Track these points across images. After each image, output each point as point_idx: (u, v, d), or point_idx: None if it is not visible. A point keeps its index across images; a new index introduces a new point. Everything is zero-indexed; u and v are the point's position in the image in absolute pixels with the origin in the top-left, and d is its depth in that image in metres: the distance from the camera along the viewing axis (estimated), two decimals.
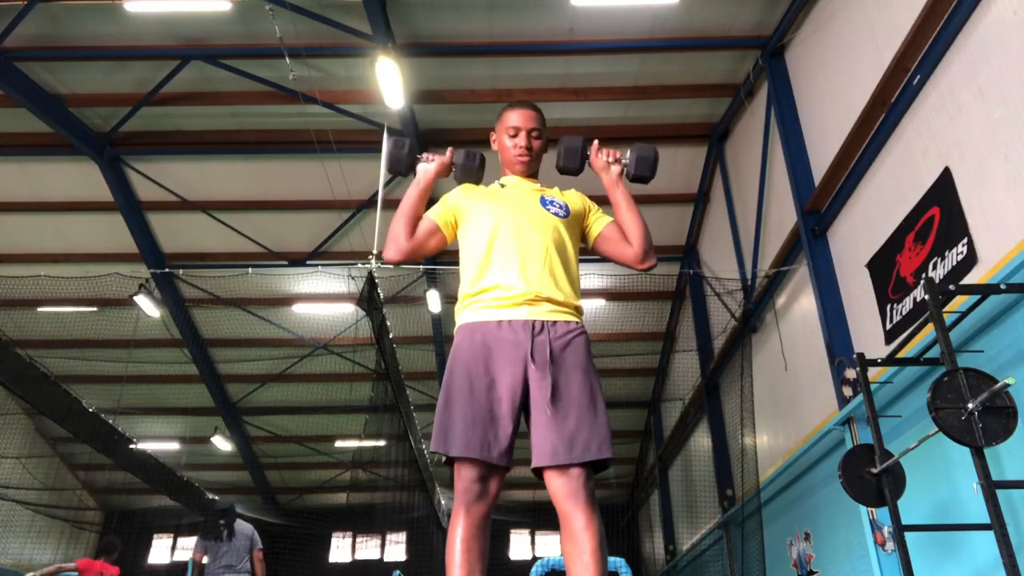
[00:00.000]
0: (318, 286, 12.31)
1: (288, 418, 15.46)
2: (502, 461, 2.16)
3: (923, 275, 5.47)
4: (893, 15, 5.93)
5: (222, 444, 15.78)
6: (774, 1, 7.99)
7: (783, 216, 8.30)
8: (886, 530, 5.94)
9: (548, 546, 18.26)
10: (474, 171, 2.61)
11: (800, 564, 8.15)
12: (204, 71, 9.01)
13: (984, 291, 4.34)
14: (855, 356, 5.10)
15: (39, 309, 12.05)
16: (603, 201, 2.65)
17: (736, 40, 8.48)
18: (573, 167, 2.59)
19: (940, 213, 5.38)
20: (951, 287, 4.28)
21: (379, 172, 9.46)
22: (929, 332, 4.83)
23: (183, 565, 14.21)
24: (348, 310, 12.32)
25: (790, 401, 8.48)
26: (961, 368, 3.77)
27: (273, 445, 16.23)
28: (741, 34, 8.41)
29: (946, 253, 5.29)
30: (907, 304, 5.80)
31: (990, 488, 3.59)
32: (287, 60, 8.10)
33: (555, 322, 2.29)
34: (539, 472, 2.18)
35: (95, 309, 12.04)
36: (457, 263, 2.54)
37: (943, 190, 5.32)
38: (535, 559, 9.47)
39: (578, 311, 2.38)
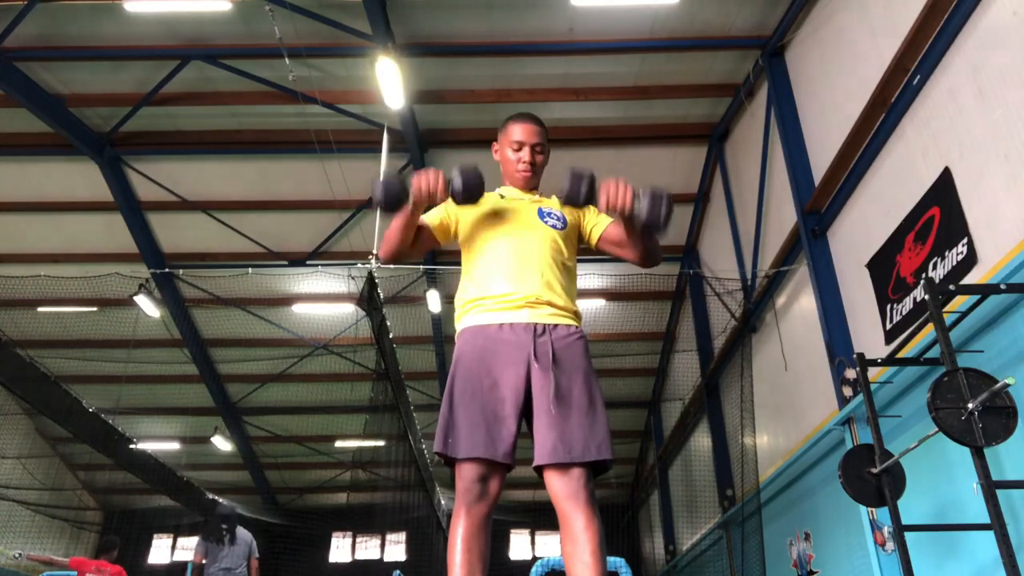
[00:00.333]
0: (318, 286, 12.31)
1: (288, 418, 15.46)
2: (507, 459, 2.19)
3: (923, 275, 5.47)
4: (893, 15, 5.93)
5: (222, 444, 15.78)
6: (774, 1, 7.99)
7: (783, 216, 8.30)
8: (886, 530, 5.94)
9: (548, 546, 18.25)
10: (476, 192, 2.36)
11: (800, 564, 8.15)
12: (204, 71, 9.02)
13: (984, 291, 4.34)
14: (855, 356, 5.10)
15: (39, 309, 12.05)
16: None
17: (736, 40, 8.48)
18: (577, 202, 2.37)
19: (940, 213, 5.38)
20: (951, 287, 4.28)
21: (379, 172, 9.48)
22: (929, 332, 4.83)
23: (183, 565, 14.21)
24: (348, 310, 12.32)
25: (790, 401, 8.48)
26: (961, 368, 3.77)
27: (273, 445, 16.23)
28: (741, 34, 8.41)
29: (946, 253, 5.29)
30: (907, 304, 5.80)
31: (990, 488, 3.60)
32: (287, 60, 8.11)
33: (556, 325, 2.33)
34: (540, 470, 2.20)
35: (95, 309, 12.04)
36: (457, 263, 2.58)
37: (943, 190, 5.32)
38: (535, 559, 9.47)
39: (577, 316, 2.42)
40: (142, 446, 13.12)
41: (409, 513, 14.25)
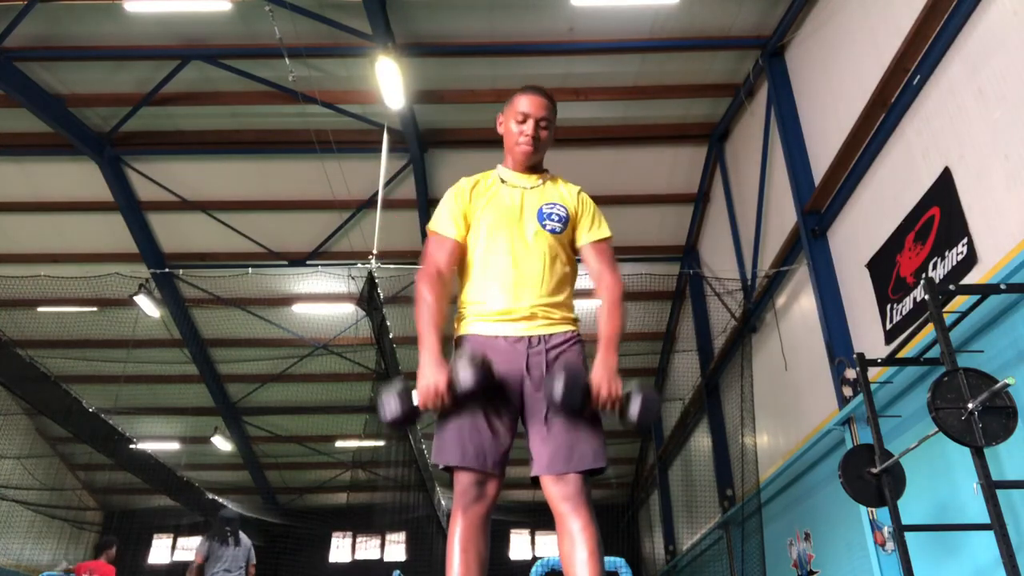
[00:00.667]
0: (318, 286, 12.31)
1: (288, 418, 15.45)
2: (495, 471, 2.21)
3: (923, 275, 5.47)
4: (893, 15, 5.93)
5: (222, 444, 15.78)
6: (774, 1, 7.99)
7: (783, 216, 8.30)
8: (886, 530, 5.94)
9: (548, 546, 18.24)
10: (482, 383, 2.15)
11: (800, 564, 8.15)
12: (204, 71, 9.02)
13: (984, 291, 4.34)
14: (855, 356, 5.10)
15: (39, 309, 12.05)
16: (603, 201, 2.64)
17: (736, 40, 8.48)
18: (571, 410, 2.17)
19: (940, 213, 5.38)
20: (951, 287, 4.28)
21: (379, 172, 9.48)
22: (929, 332, 4.83)
23: (184, 565, 14.21)
24: (348, 310, 12.31)
25: (790, 401, 8.48)
26: (961, 368, 3.77)
27: (273, 445, 16.23)
28: (741, 34, 8.41)
29: (946, 253, 5.29)
30: (907, 304, 5.79)
31: (990, 488, 3.59)
32: (287, 60, 8.11)
33: (551, 334, 2.32)
34: (534, 479, 2.23)
35: (95, 309, 12.04)
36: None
37: (943, 190, 5.32)
38: (535, 559, 9.46)
39: (574, 320, 2.41)
40: (142, 446, 13.12)
41: (409, 513, 14.25)
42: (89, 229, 11.48)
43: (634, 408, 2.18)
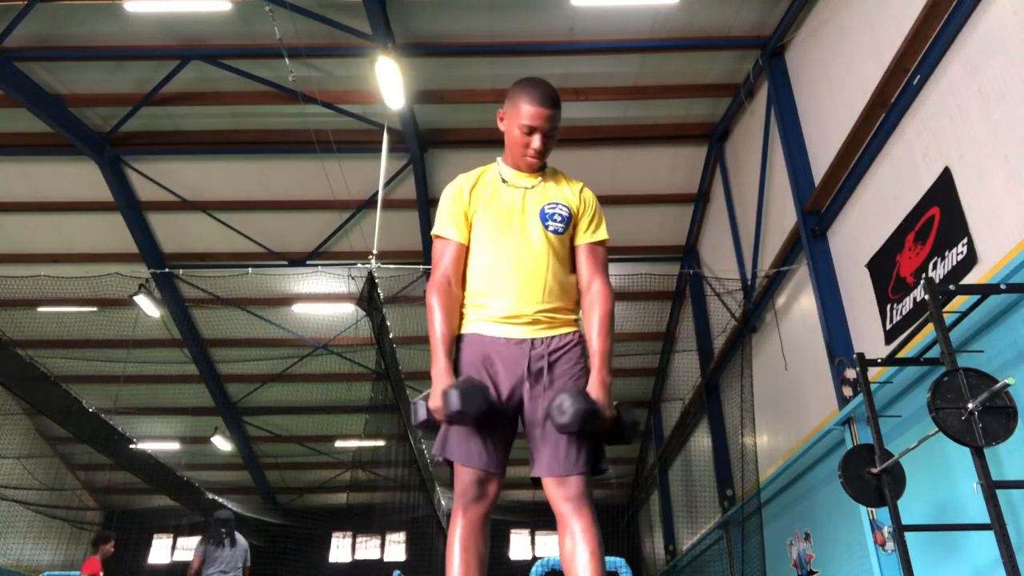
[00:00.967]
0: (318, 286, 12.31)
1: (288, 418, 15.45)
2: (497, 471, 2.21)
3: (923, 275, 5.47)
4: (893, 15, 5.93)
5: (222, 444, 15.78)
6: (774, 1, 7.99)
7: (783, 216, 8.30)
8: (886, 530, 5.94)
9: (548, 546, 18.24)
10: (474, 408, 2.13)
11: (800, 564, 8.15)
12: (204, 71, 9.02)
13: (984, 291, 4.34)
14: (855, 356, 5.10)
15: (39, 309, 12.05)
16: (604, 201, 2.63)
17: (736, 40, 8.48)
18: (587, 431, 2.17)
19: (940, 213, 5.38)
20: (951, 287, 4.28)
21: (379, 172, 9.48)
22: (929, 332, 4.83)
23: (183, 565, 14.22)
24: (348, 310, 12.31)
25: (790, 401, 8.48)
26: (961, 368, 3.77)
27: (273, 445, 16.23)
28: (741, 34, 8.41)
29: (946, 253, 5.29)
30: (907, 304, 5.79)
31: (990, 488, 3.59)
32: (287, 60, 8.11)
33: (552, 336, 2.32)
34: (535, 479, 2.23)
35: (95, 309, 12.04)
36: None
37: (943, 190, 5.32)
38: (535, 559, 9.46)
39: (575, 321, 2.40)
40: (142, 446, 13.12)
41: (409, 513, 14.25)
42: (89, 229, 11.48)
43: (623, 430, 2.23)
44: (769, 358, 9.04)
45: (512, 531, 18.43)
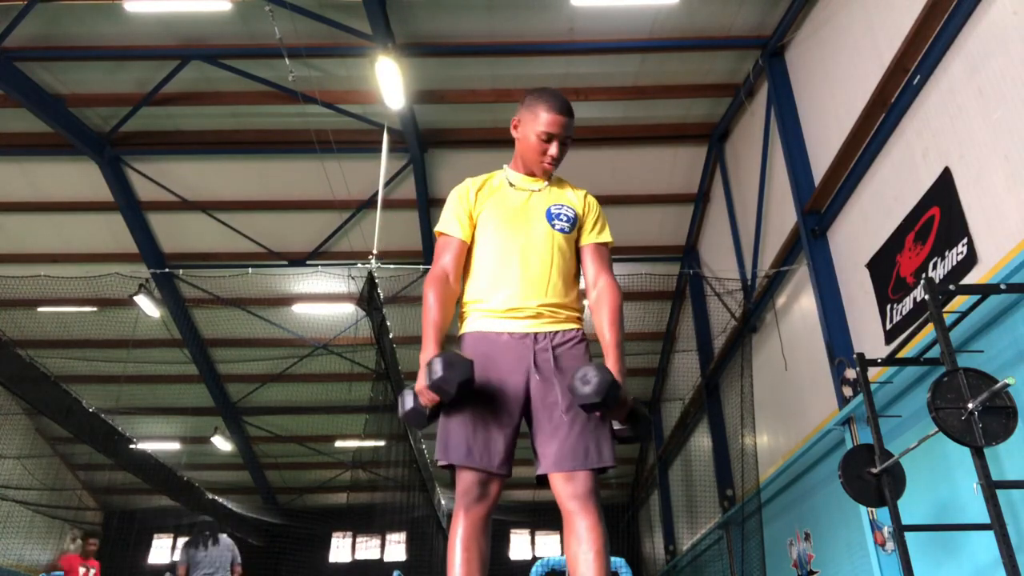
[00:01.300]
0: (318, 286, 12.31)
1: (288, 418, 15.46)
2: (502, 470, 2.21)
3: (923, 275, 5.47)
4: (893, 15, 5.93)
5: (222, 444, 15.78)
6: (774, 1, 7.99)
7: (783, 216, 8.30)
8: (886, 530, 5.94)
9: (548, 546, 18.26)
10: (454, 378, 2.11)
11: (800, 564, 8.15)
12: (204, 71, 9.02)
13: (984, 291, 4.34)
14: (855, 356, 5.10)
15: (39, 309, 12.05)
16: (604, 201, 2.64)
17: (736, 40, 8.48)
18: (607, 407, 2.14)
19: (940, 213, 5.38)
20: (951, 287, 4.28)
21: (379, 172, 9.48)
22: (929, 332, 4.83)
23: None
24: (348, 310, 12.31)
25: (790, 401, 8.48)
26: (961, 368, 3.77)
27: (273, 445, 16.23)
28: (741, 34, 8.41)
29: (946, 253, 5.29)
30: (907, 304, 5.80)
31: (990, 488, 3.60)
32: (287, 60, 8.10)
33: (556, 332, 2.32)
34: (540, 477, 2.22)
35: (95, 309, 12.04)
36: None
37: (943, 190, 5.32)
38: (535, 559, 9.47)
39: (579, 319, 2.41)
40: (142, 446, 13.11)
41: (409, 513, 14.24)
42: (89, 229, 11.48)
43: (637, 422, 2.21)
44: (769, 358, 9.04)
45: (512, 531, 18.44)
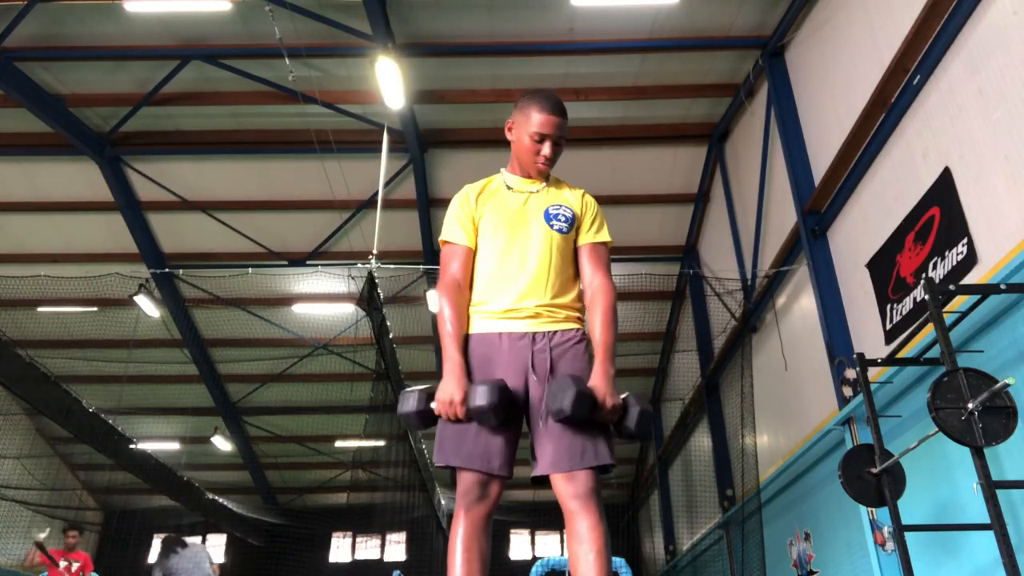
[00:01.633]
0: (318, 286, 12.31)
1: (288, 418, 15.46)
2: (502, 471, 2.21)
3: (923, 275, 5.47)
4: (893, 15, 5.93)
5: (222, 444, 15.77)
6: (774, 1, 7.99)
7: (783, 216, 8.30)
8: (886, 530, 5.94)
9: (548, 546, 18.26)
10: (498, 409, 2.12)
11: (800, 564, 8.15)
12: (204, 71, 9.01)
13: (984, 291, 4.34)
14: (855, 356, 5.10)
15: (39, 309, 12.04)
16: (603, 201, 2.64)
17: (736, 40, 8.48)
18: (579, 420, 2.15)
19: (940, 213, 5.38)
20: (951, 287, 4.28)
21: (379, 172, 9.48)
22: (929, 332, 4.83)
23: None
24: (348, 310, 12.31)
25: (790, 401, 8.48)
26: (961, 368, 3.77)
27: (273, 445, 16.23)
28: (741, 34, 8.41)
29: (946, 253, 5.29)
30: (907, 304, 5.80)
31: (990, 488, 3.60)
32: (287, 60, 8.10)
33: (555, 332, 2.33)
34: (536, 479, 2.22)
35: (95, 309, 12.03)
36: None
37: (943, 190, 5.32)
38: (535, 559, 9.46)
39: (579, 319, 2.41)
40: (142, 446, 13.12)
41: (409, 513, 14.25)
42: (89, 229, 11.48)
43: (631, 420, 2.19)
44: (769, 358, 9.04)
45: (512, 531, 18.43)
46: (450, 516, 2.24)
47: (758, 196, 8.89)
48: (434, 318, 12.53)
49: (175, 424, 15.73)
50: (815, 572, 7.76)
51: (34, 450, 15.54)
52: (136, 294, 10.72)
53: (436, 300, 2.38)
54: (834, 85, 7.14)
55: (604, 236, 2.50)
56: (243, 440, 15.85)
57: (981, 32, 4.96)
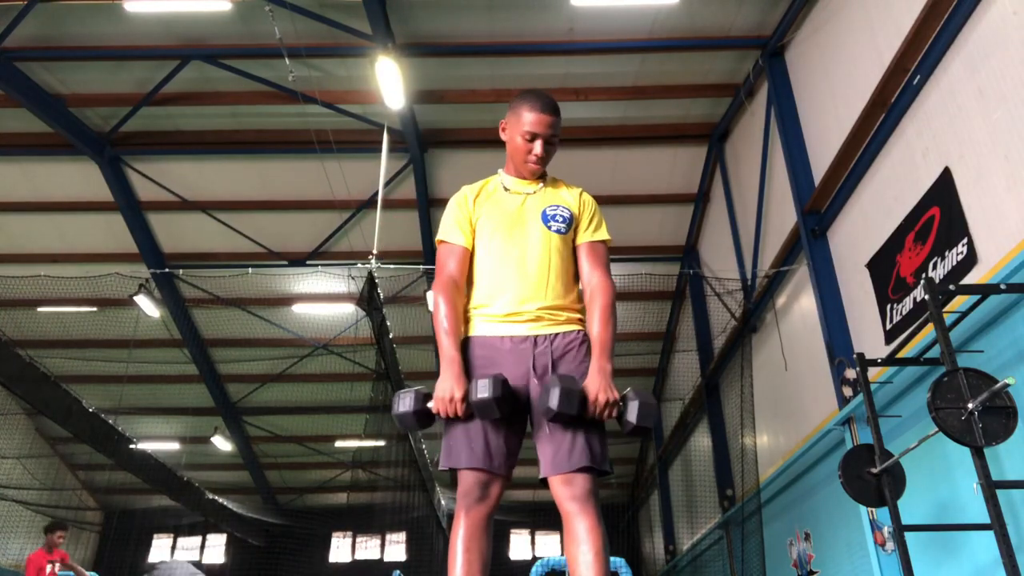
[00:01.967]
0: (318, 286, 12.31)
1: (288, 418, 15.46)
2: (501, 471, 2.21)
3: (923, 275, 5.47)
4: (893, 15, 5.93)
5: (222, 444, 15.78)
6: (774, 1, 7.99)
7: (783, 216, 8.30)
8: (886, 530, 5.94)
9: (548, 546, 18.26)
10: (499, 403, 2.13)
11: (800, 564, 8.15)
12: (204, 71, 9.01)
13: (984, 291, 4.34)
14: (855, 356, 5.10)
15: (39, 309, 12.04)
16: (603, 201, 2.64)
17: (736, 40, 8.48)
18: (568, 417, 2.14)
19: (940, 213, 5.38)
20: (951, 287, 4.28)
21: (379, 172, 9.48)
22: (929, 332, 4.83)
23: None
24: (348, 310, 12.32)
25: (790, 401, 8.48)
26: (961, 368, 3.77)
27: (273, 445, 16.23)
28: (741, 34, 8.41)
29: (946, 253, 5.29)
30: (907, 304, 5.80)
31: (990, 488, 3.60)
32: (287, 60, 8.10)
33: (556, 334, 2.33)
34: (544, 479, 2.23)
35: (95, 309, 12.04)
36: None
37: (943, 190, 5.32)
38: (535, 559, 9.47)
39: (580, 320, 2.41)
40: (142, 446, 13.12)
41: (409, 513, 14.25)
42: (89, 229, 11.48)
43: (631, 413, 2.17)
44: (769, 358, 9.04)
45: (512, 531, 18.44)
46: (450, 516, 2.24)
47: (758, 196, 8.89)
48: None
49: (175, 424, 15.73)
50: (815, 572, 7.76)
51: (34, 450, 15.55)
52: (136, 294, 10.73)
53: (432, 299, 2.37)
54: (834, 85, 7.13)
55: (603, 234, 2.50)
56: (243, 440, 15.85)
57: (981, 32, 4.96)
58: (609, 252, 2.52)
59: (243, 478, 17.27)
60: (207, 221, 11.11)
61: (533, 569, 8.08)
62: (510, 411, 2.18)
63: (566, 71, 9.09)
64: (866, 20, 6.45)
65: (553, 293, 2.36)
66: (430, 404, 2.22)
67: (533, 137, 2.42)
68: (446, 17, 8.31)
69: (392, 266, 9.43)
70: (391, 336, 9.52)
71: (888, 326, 6.10)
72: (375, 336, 9.53)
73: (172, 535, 18.65)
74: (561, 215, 2.45)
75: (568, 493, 2.14)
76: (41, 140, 9.91)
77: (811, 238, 7.41)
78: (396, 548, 17.34)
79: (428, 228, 10.87)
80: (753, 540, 8.98)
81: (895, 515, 4.51)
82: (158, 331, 12.52)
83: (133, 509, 17.85)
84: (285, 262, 11.62)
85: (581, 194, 2.55)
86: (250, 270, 10.12)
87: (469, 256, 2.44)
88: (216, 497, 14.81)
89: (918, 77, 5.59)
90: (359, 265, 8.95)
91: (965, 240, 5.06)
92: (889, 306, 6.10)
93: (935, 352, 4.78)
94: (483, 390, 2.10)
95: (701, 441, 12.12)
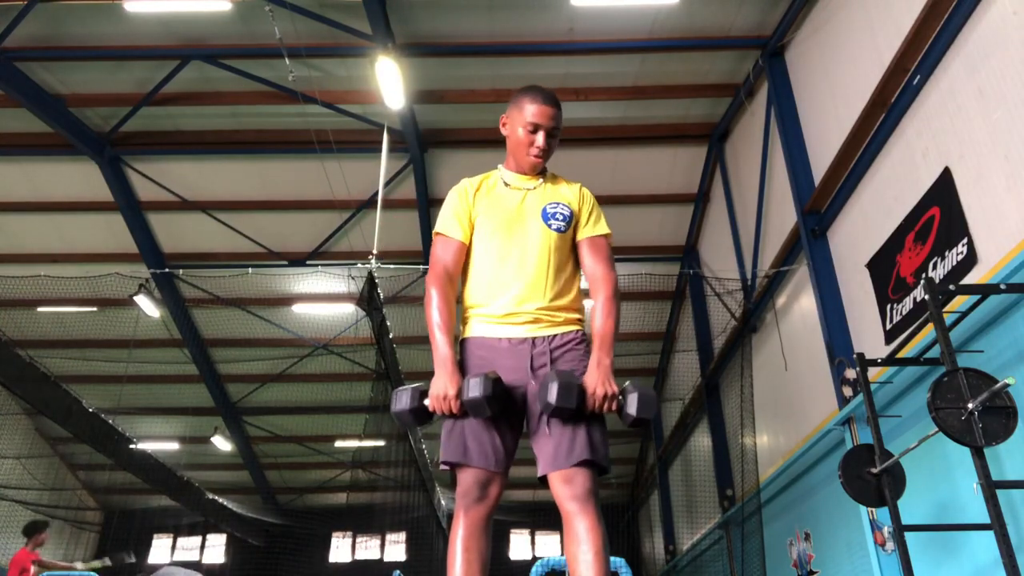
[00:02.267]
0: (318, 286, 12.31)
1: (288, 418, 15.45)
2: (498, 469, 2.21)
3: (923, 275, 5.47)
4: (893, 15, 5.93)
5: (222, 444, 15.77)
6: (774, 1, 7.99)
7: (783, 216, 8.30)
8: (886, 530, 5.94)
9: (548, 546, 18.25)
10: (491, 401, 2.12)
11: (800, 564, 8.15)
12: (204, 71, 9.01)
13: (984, 291, 4.34)
14: (855, 356, 5.10)
15: (39, 309, 12.04)
16: (604, 201, 2.64)
17: (736, 40, 8.48)
18: (567, 412, 2.14)
19: (940, 213, 5.38)
20: (951, 287, 4.28)
21: (379, 172, 9.48)
22: (929, 332, 4.83)
23: (183, 565, 14.16)
24: (348, 310, 12.31)
25: (790, 401, 8.48)
26: (961, 368, 3.77)
27: (273, 445, 16.23)
28: (741, 34, 8.41)
29: (946, 253, 5.29)
30: (907, 304, 5.80)
31: (990, 488, 3.60)
32: (287, 60, 8.10)
33: (554, 335, 2.33)
34: (543, 478, 2.23)
35: (95, 309, 12.03)
36: None
37: (943, 190, 5.32)
38: (535, 559, 9.46)
39: (579, 321, 2.40)
40: (142, 446, 13.12)
41: (409, 513, 14.25)
42: (89, 229, 11.48)
43: (631, 405, 2.17)
44: (769, 358, 9.04)
45: (512, 531, 18.43)
46: (450, 516, 2.25)
47: (758, 196, 8.89)
48: None
49: (175, 424, 15.73)
50: (815, 572, 7.76)
51: (34, 450, 15.54)
52: (136, 294, 10.73)
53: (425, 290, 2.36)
54: (834, 85, 7.13)
55: (603, 228, 2.49)
56: (243, 440, 15.84)
57: (981, 32, 4.96)
58: (610, 245, 2.51)
59: (243, 478, 17.27)
60: (207, 221, 11.11)
61: (533, 569, 8.06)
62: (503, 410, 2.18)
63: (566, 71, 9.09)
64: (866, 20, 6.45)
65: (552, 293, 2.35)
66: (427, 401, 2.22)
67: (535, 128, 2.41)
68: (446, 17, 8.31)
69: (392, 266, 9.43)
70: (391, 336, 9.52)
71: (888, 326, 6.10)
72: (375, 336, 9.53)
73: (172, 535, 18.64)
74: (561, 213, 2.44)
75: (568, 492, 2.13)
76: (41, 140, 9.91)
77: (811, 238, 7.41)
78: (396, 548, 17.33)
79: (428, 228, 10.87)
80: (753, 540, 8.98)
81: (895, 515, 4.51)
82: (158, 331, 12.52)
83: (133, 509, 17.85)
84: (285, 262, 11.62)
85: (580, 189, 2.54)
86: (250, 270, 10.12)
87: (465, 251, 2.43)
88: (216, 497, 14.80)
89: (918, 77, 5.59)
90: (359, 265, 8.95)
91: (965, 240, 5.06)
92: (889, 306, 6.10)
93: (935, 352, 4.78)
94: (474, 389, 2.10)
95: (701, 441, 12.12)
